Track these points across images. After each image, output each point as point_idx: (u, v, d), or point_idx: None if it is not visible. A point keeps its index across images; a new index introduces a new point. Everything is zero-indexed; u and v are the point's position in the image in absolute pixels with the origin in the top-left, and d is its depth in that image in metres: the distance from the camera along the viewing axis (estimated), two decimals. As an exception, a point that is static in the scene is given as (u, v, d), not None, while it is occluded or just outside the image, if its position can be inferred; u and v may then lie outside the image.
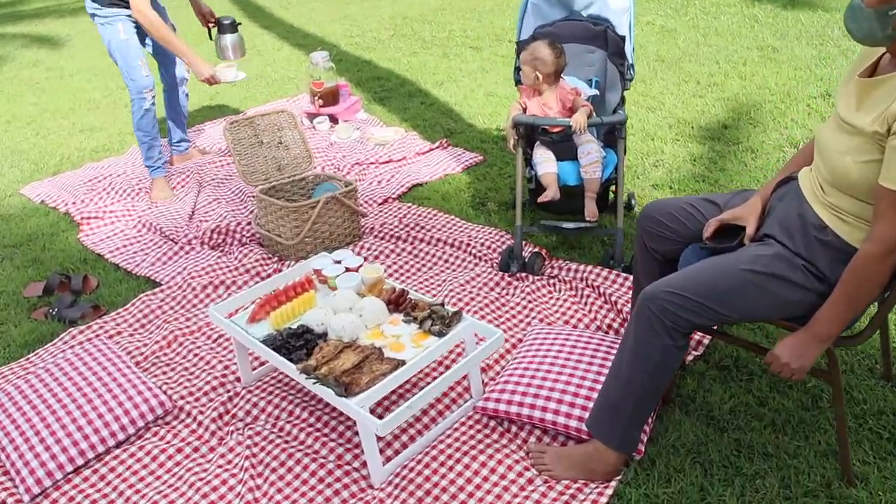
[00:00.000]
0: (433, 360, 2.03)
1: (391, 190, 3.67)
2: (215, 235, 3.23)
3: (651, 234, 2.06)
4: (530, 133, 2.88)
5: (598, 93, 2.92)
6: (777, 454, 1.93)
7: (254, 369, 2.37)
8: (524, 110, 2.83)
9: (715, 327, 1.94)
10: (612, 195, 3.04)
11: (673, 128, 4.16)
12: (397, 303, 2.20)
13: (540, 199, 2.74)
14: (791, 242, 1.72)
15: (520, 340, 2.43)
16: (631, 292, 2.26)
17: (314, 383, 1.89)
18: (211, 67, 3.51)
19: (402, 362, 1.96)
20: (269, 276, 2.97)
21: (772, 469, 1.88)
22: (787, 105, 4.27)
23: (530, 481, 1.88)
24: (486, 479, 1.89)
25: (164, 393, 2.26)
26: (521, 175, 2.83)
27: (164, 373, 2.39)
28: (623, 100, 2.95)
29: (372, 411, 2.00)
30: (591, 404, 1.97)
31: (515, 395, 2.04)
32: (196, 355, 2.46)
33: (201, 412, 2.20)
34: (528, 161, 2.91)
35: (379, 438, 1.99)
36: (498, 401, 2.05)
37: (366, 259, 3.02)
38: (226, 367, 2.39)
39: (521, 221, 2.80)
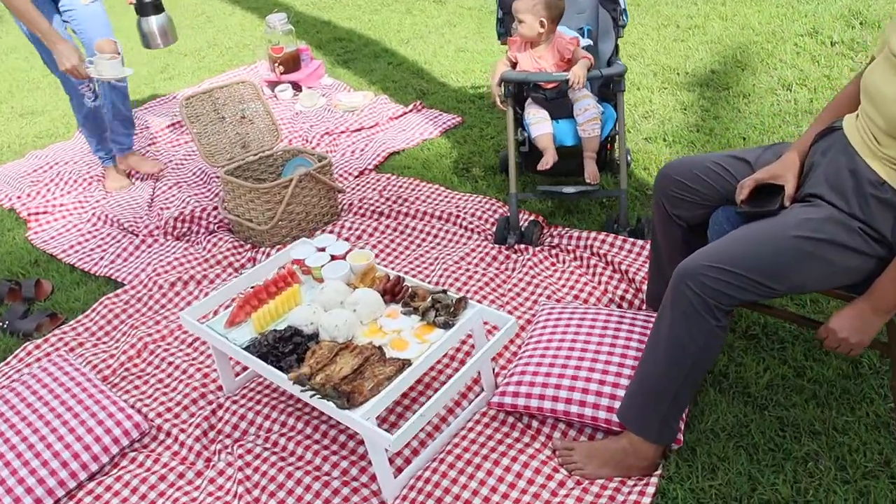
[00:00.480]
0: (441, 355, 1.81)
1: (366, 160, 3.40)
2: (179, 224, 2.94)
3: (673, 199, 1.85)
4: (520, 91, 2.63)
5: (591, 42, 2.67)
6: (825, 431, 1.76)
7: (237, 375, 2.13)
8: (514, 65, 2.58)
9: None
10: (607, 153, 2.82)
11: (658, 76, 3.93)
12: (394, 292, 1.97)
13: (540, 167, 2.51)
14: (844, 203, 1.52)
15: (528, 321, 2.22)
16: (649, 262, 2.06)
17: (312, 396, 1.66)
18: (75, 56, 2.78)
19: (408, 362, 1.73)
20: (242, 266, 2.70)
21: (823, 449, 1.71)
22: (774, 45, 4.06)
23: (562, 484, 1.69)
24: (512, 485, 1.69)
25: (139, 412, 2.01)
26: (513, 137, 2.59)
27: (137, 387, 2.14)
28: (617, 49, 2.71)
29: (379, 421, 1.78)
30: (619, 392, 1.77)
31: (535, 386, 1.84)
32: (171, 364, 2.20)
33: (183, 430, 1.95)
34: (519, 121, 2.66)
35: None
36: (515, 394, 1.85)
37: (347, 240, 2.77)
38: (205, 376, 2.14)
39: (516, 188, 2.57)
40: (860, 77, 1.68)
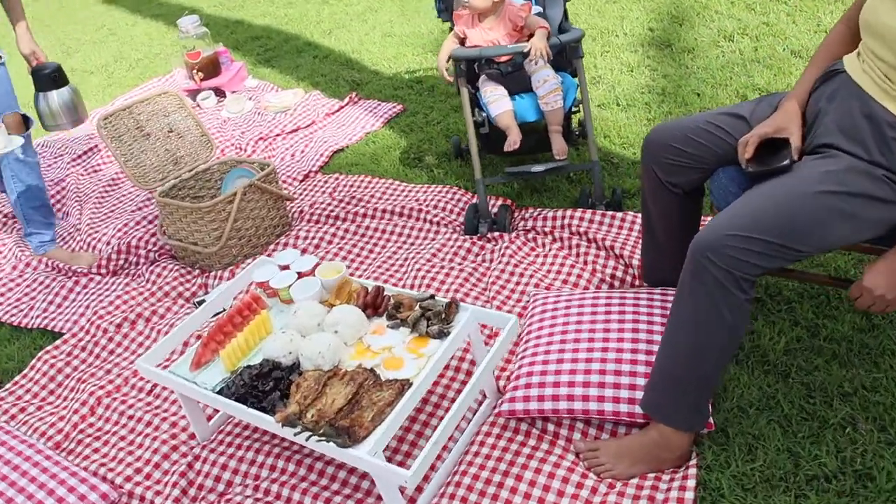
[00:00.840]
0: (442, 369, 1.63)
1: (309, 162, 3.17)
2: (115, 257, 2.65)
3: (666, 165, 1.71)
4: (471, 69, 2.45)
5: (541, 9, 2.51)
6: (855, 392, 1.66)
7: (209, 419, 1.90)
8: (462, 42, 2.39)
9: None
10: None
11: (597, 39, 3.82)
12: (375, 305, 1.77)
13: (507, 148, 2.34)
14: (863, 150, 1.40)
15: (520, 315, 2.06)
16: (642, 235, 1.92)
17: (308, 438, 1.45)
18: None
19: (407, 382, 1.55)
20: (193, 294, 2.45)
21: (857, 411, 1.61)
22: (707, -3, 3.99)
23: (594, 490, 1.54)
24: (541, 500, 1.53)
25: (104, 479, 1.76)
26: (471, 119, 2.41)
27: (97, 451, 1.88)
28: (566, 13, 2.56)
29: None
30: (639, 381, 1.63)
31: (545, 387, 1.68)
32: (131, 418, 1.95)
33: (158, 493, 1.72)
34: (475, 101, 2.48)
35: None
36: (526, 399, 1.68)
37: (304, 251, 2.55)
38: (173, 426, 1.91)
39: (481, 174, 2.40)
40: (849, 17, 1.57)
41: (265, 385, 1.60)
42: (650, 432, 1.57)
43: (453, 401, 1.81)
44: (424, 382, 1.55)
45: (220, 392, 1.62)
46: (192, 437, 1.87)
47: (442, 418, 1.77)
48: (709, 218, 2.07)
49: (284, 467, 1.72)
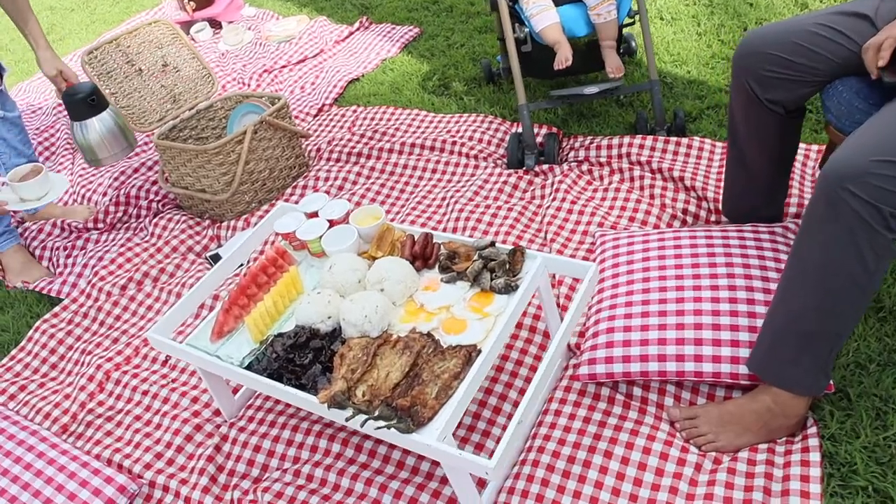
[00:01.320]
0: (513, 330, 1.38)
1: (322, 95, 2.85)
2: (113, 209, 2.37)
3: (766, 80, 1.42)
4: (510, -23, 2.12)
5: None
6: None
7: (234, 391, 1.67)
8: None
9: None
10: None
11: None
12: (425, 256, 1.51)
13: (557, 65, 2.03)
14: None
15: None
16: (726, 164, 1.63)
17: (364, 423, 1.20)
18: None
19: (475, 349, 1.29)
20: (205, 248, 2.19)
21: None
22: None
23: (698, 467, 1.31)
24: (638, 481, 1.29)
25: (121, 468, 1.53)
26: (511, 35, 2.09)
27: (109, 433, 1.65)
28: None
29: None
30: (742, 336, 1.38)
31: (631, 346, 1.43)
32: (145, 393, 1.71)
33: (184, 482, 1.49)
34: (515, 15, 2.16)
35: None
36: (609, 360, 1.43)
37: (327, 193, 2.27)
38: (194, 401, 1.67)
39: (526, 98, 2.09)
40: None
41: (303, 357, 1.35)
42: (761, 397, 1.32)
43: (519, 363, 1.56)
44: (494, 348, 1.30)
45: (249, 367, 1.37)
46: (218, 413, 1.63)
47: (509, 385, 1.53)
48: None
49: (328, 448, 1.49)
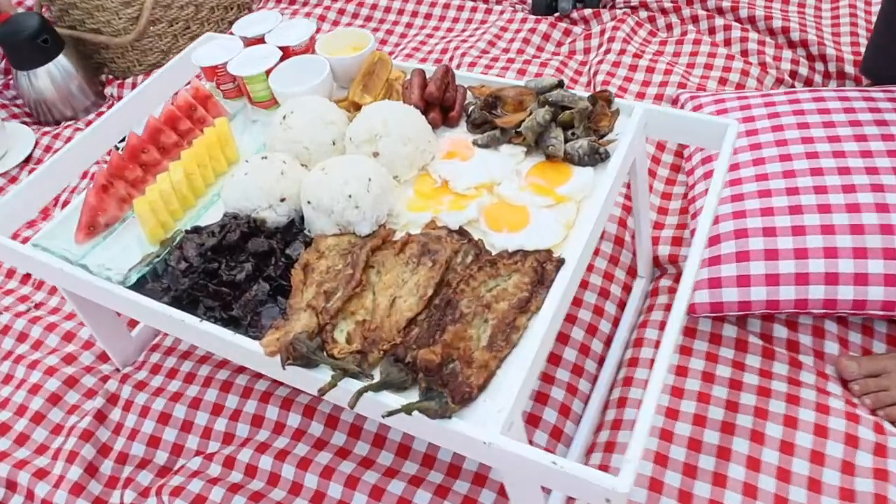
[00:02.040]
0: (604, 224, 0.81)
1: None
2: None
3: None
4: None
5: None
6: None
7: (132, 326, 1.06)
8: None
9: None
10: None
11: None
12: (444, 103, 0.90)
13: None
14: None
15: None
16: (879, 13, 1.06)
17: (357, 397, 0.61)
18: None
19: (552, 258, 0.71)
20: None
21: None
22: None
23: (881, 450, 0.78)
24: (818, 457, 0.76)
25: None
26: None
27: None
28: None
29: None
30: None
31: (761, 263, 0.87)
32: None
33: (42, 474, 0.89)
34: None
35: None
36: (736, 282, 0.87)
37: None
38: (67, 338, 1.06)
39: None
40: None
41: (235, 269, 0.75)
42: None
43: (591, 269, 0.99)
44: (584, 256, 0.72)
45: (138, 286, 0.77)
46: (104, 359, 1.03)
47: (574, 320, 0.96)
48: None
49: (281, 419, 0.91)
